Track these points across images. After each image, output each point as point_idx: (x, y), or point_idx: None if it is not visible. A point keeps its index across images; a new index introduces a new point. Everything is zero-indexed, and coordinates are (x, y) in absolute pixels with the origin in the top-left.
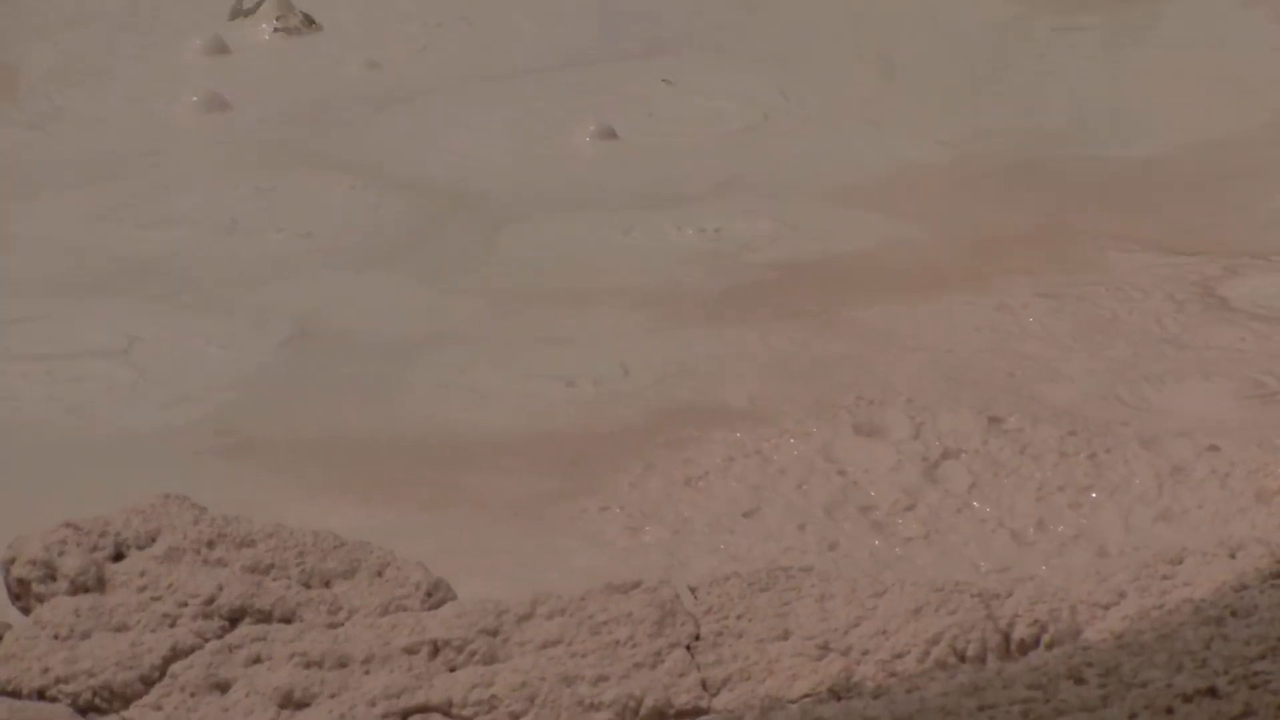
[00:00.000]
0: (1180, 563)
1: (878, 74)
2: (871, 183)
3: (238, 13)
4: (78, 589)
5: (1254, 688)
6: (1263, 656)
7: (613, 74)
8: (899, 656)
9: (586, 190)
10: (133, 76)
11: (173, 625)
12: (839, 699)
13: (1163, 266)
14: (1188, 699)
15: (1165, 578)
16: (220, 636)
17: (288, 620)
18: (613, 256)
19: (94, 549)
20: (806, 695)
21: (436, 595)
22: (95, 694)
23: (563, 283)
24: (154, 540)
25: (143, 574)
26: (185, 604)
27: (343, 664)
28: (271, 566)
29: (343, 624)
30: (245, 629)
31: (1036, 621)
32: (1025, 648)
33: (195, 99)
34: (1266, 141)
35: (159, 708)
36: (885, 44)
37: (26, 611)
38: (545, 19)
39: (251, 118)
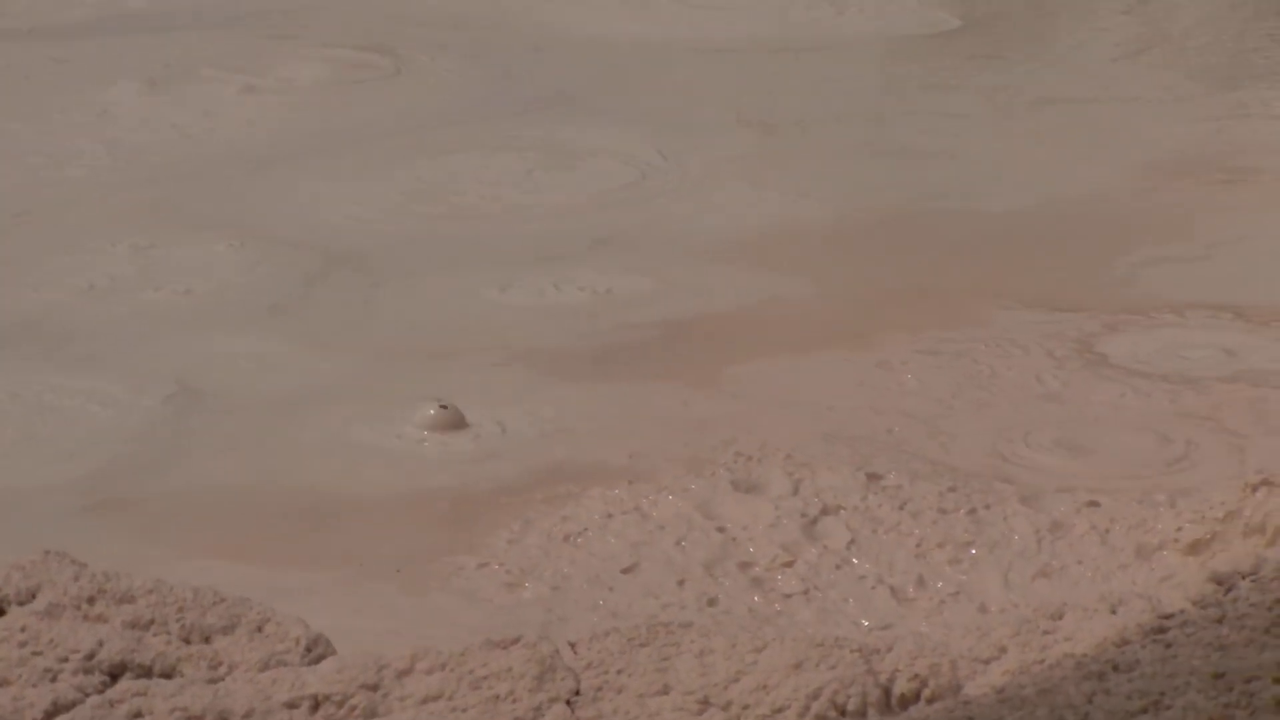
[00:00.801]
0: (1061, 618)
1: (756, 134)
2: (751, 240)
3: None
4: None
5: None
6: (1144, 710)
7: (491, 133)
8: (779, 711)
9: (464, 248)
10: (12, 133)
11: (54, 680)
12: None
13: (1042, 323)
14: None
15: (1046, 633)
16: (101, 691)
17: (168, 675)
18: (491, 314)
19: None
20: None
21: (316, 650)
22: None
23: (441, 341)
24: (34, 596)
25: (23, 629)
26: (66, 659)
27: (224, 719)
28: (152, 622)
29: (223, 679)
30: (126, 684)
31: (917, 676)
32: (906, 702)
33: (75, 156)
34: (1138, 194)
35: None
36: (763, 105)
37: None
38: (424, 78)
39: (132, 175)
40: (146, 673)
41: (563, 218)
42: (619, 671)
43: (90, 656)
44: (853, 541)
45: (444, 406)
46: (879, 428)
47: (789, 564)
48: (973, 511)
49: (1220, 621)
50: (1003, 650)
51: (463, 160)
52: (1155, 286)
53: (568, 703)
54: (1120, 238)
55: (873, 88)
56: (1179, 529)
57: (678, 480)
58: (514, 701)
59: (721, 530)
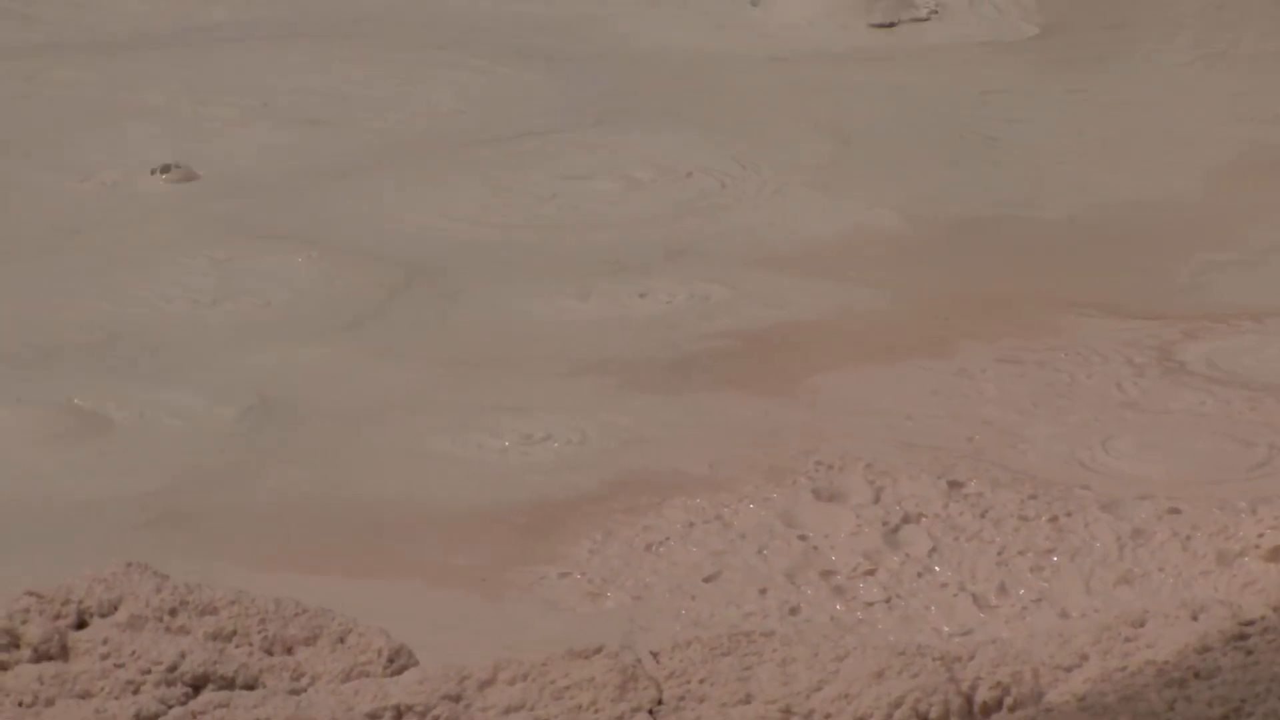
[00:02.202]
0: (1143, 625)
1: (832, 142)
2: (827, 250)
3: None
4: (41, 657)
5: None
6: (1225, 718)
7: (569, 142)
8: None
9: (543, 258)
10: (87, 146)
11: (136, 692)
12: None
13: (1120, 330)
14: None
15: (1128, 640)
16: (183, 703)
17: (250, 687)
18: (568, 324)
19: (57, 617)
20: None
21: (399, 661)
22: None
23: (519, 351)
24: (116, 608)
25: (105, 642)
26: (148, 671)
27: None
28: (234, 633)
29: (305, 690)
30: (208, 696)
31: (999, 684)
32: (988, 711)
33: (151, 169)
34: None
35: None
36: (839, 113)
37: None
38: (502, 89)
39: (208, 189)
40: (229, 684)
41: (640, 227)
42: (701, 681)
43: (173, 668)
44: (934, 549)
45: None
46: (959, 436)
47: (871, 572)
48: (1054, 519)
49: None
50: (1084, 657)
51: (540, 170)
52: (1227, 292)
53: (650, 712)
54: (1189, 243)
55: (949, 96)
56: (1260, 535)
57: (758, 489)
58: (596, 711)
59: (803, 539)
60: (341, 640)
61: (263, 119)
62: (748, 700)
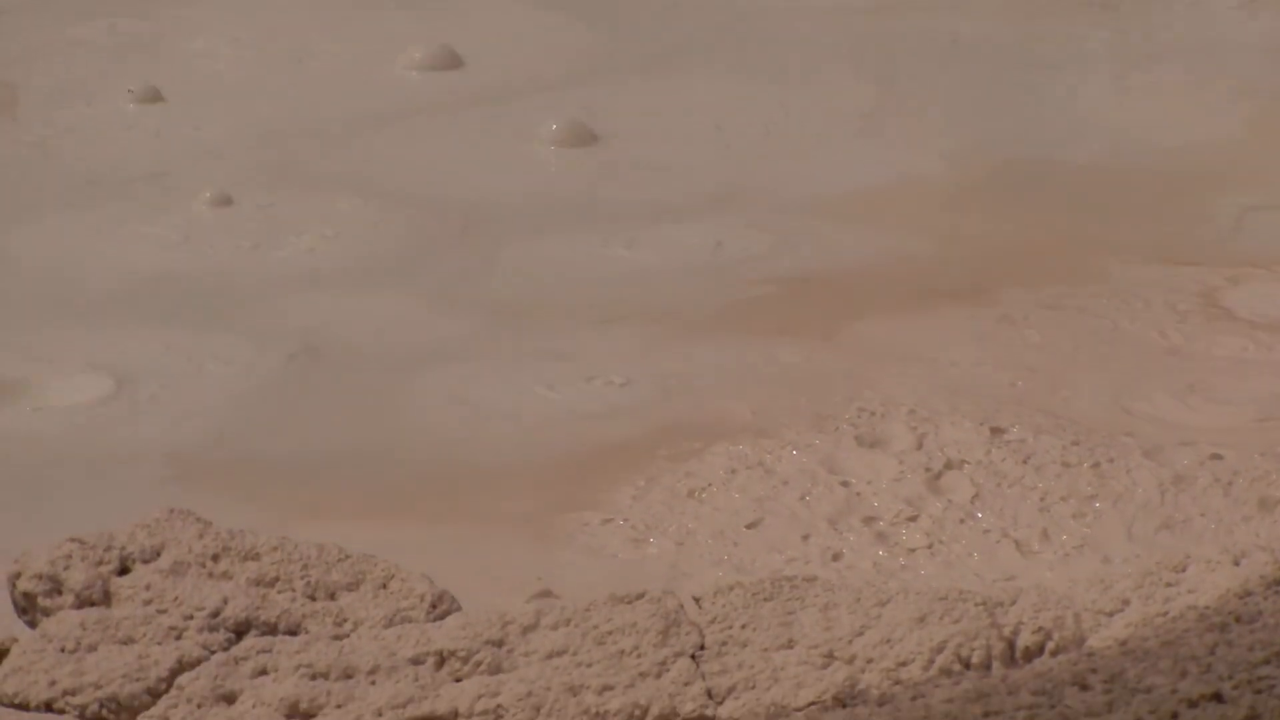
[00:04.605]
0: (1184, 570)
1: (876, 89)
2: (871, 195)
3: None
4: (84, 603)
5: (1259, 692)
6: (1267, 661)
7: (612, 89)
8: (904, 664)
9: (588, 205)
10: (136, 96)
11: (179, 638)
12: (844, 707)
13: (1163, 276)
14: (1193, 704)
15: (1169, 585)
16: (226, 649)
17: (293, 632)
18: (613, 271)
19: (99, 563)
20: (812, 704)
21: (441, 607)
22: (102, 706)
23: (563, 298)
24: (159, 554)
25: (148, 587)
26: (191, 617)
27: (349, 675)
28: (276, 579)
29: (348, 635)
30: (251, 641)
31: (1041, 629)
32: (1030, 655)
33: (197, 117)
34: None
35: (166, 719)
36: (883, 58)
37: (33, 625)
38: (544, 36)
39: (254, 136)
40: (271, 630)
41: (685, 174)
42: (743, 626)
43: (215, 614)
44: (977, 495)
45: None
46: (1002, 382)
47: (913, 518)
48: (1096, 465)
49: None
50: (1126, 603)
51: (585, 116)
52: (1270, 237)
53: (692, 657)
54: (1232, 188)
55: (992, 42)
56: None
57: (801, 435)
58: (639, 656)
59: (845, 485)
60: (384, 586)
61: (307, 65)
62: (790, 645)
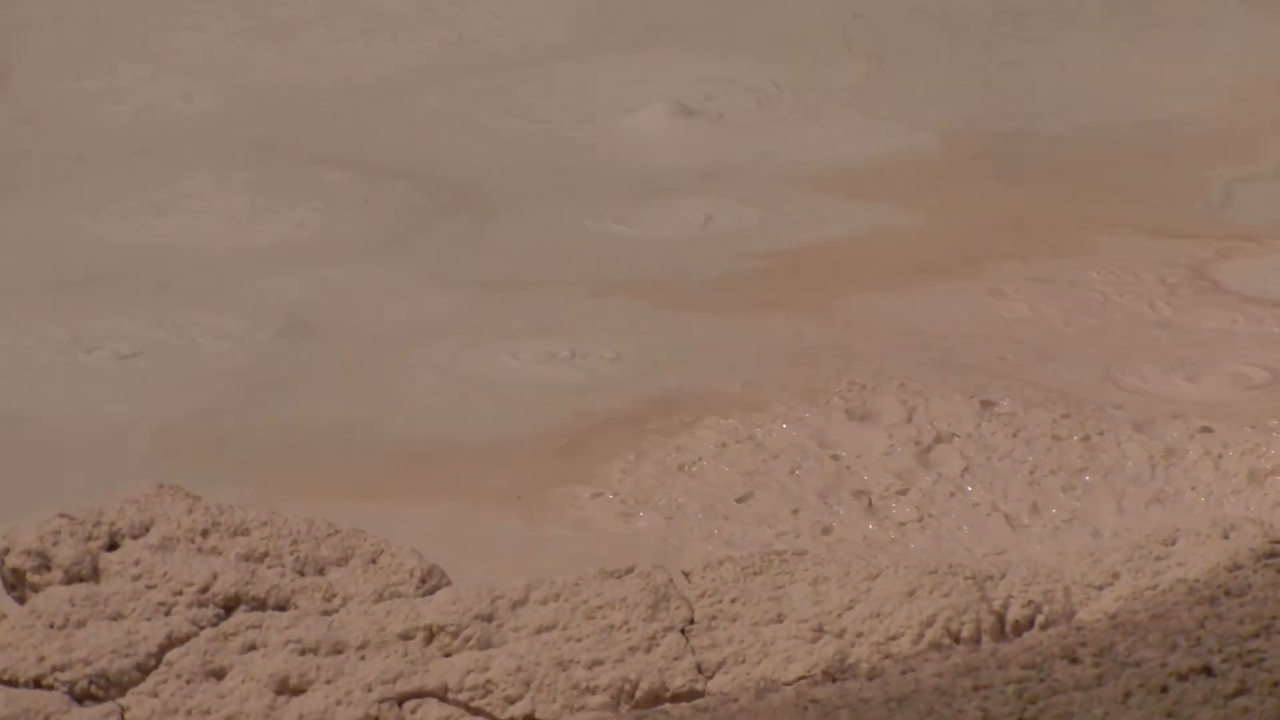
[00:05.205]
0: (1174, 543)
1: (867, 63)
2: (862, 170)
3: None
4: (72, 579)
5: (1248, 665)
6: (1256, 635)
7: (603, 65)
8: (893, 638)
9: (577, 180)
10: (123, 72)
11: (168, 614)
12: (834, 681)
13: (1153, 249)
14: (1182, 677)
15: (1159, 558)
16: (215, 624)
17: (282, 608)
18: (604, 246)
19: (89, 539)
20: (801, 678)
21: (431, 581)
22: (91, 682)
23: (554, 272)
24: (148, 530)
25: (137, 563)
26: (180, 592)
27: (338, 650)
28: (265, 555)
29: (337, 611)
30: (240, 617)
31: (1031, 603)
32: (1019, 629)
33: (187, 94)
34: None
35: (155, 695)
36: (874, 33)
37: (21, 601)
38: (535, 10)
39: (244, 111)
40: (261, 605)
41: (675, 149)
42: (733, 600)
43: (204, 590)
44: (967, 469)
45: None
46: (992, 355)
47: (903, 492)
48: (1086, 438)
49: None
50: (1116, 576)
51: (574, 93)
52: (1260, 210)
53: (682, 631)
54: (1220, 160)
55: (981, 16)
56: None
57: (791, 409)
58: (628, 631)
59: (836, 458)
60: (374, 561)
61: (298, 41)
62: (780, 619)
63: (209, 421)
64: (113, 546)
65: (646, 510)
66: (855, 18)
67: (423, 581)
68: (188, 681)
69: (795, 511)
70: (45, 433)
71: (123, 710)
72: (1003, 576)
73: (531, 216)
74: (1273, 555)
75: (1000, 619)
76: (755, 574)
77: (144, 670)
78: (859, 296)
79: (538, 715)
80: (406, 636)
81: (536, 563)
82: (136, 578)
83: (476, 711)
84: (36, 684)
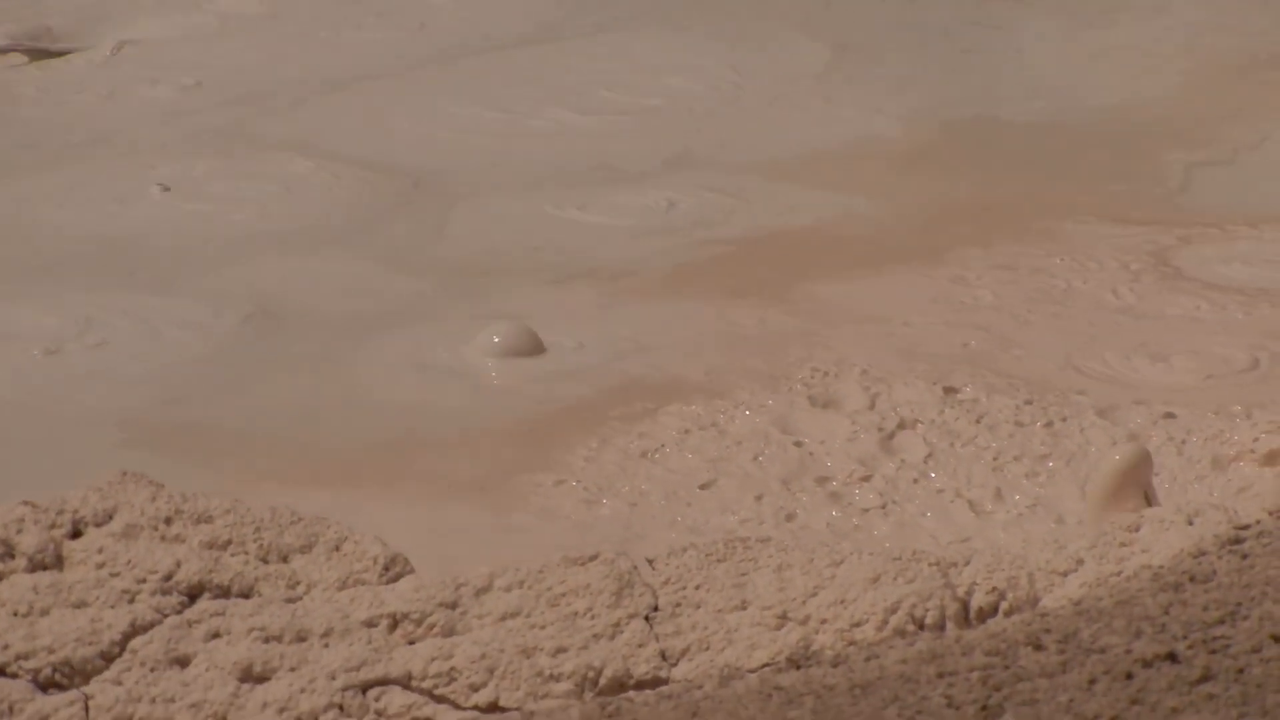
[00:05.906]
0: (1138, 530)
1: (828, 50)
2: (824, 157)
3: None
4: (36, 566)
5: (1213, 652)
6: (1221, 621)
7: (565, 51)
8: (857, 625)
9: (539, 167)
10: (84, 59)
11: (131, 601)
12: (798, 668)
13: (1116, 236)
14: (1147, 664)
15: (1123, 545)
16: (179, 612)
17: (246, 595)
18: (566, 233)
19: (52, 526)
20: (765, 665)
21: (394, 569)
22: (55, 670)
23: (516, 260)
24: (111, 517)
25: (101, 551)
26: (144, 580)
27: (302, 638)
28: (229, 542)
29: (301, 598)
30: (204, 604)
31: (995, 589)
32: (984, 615)
33: (154, 80)
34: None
35: (119, 683)
36: (836, 21)
37: None
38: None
39: (207, 99)
40: (224, 593)
41: (637, 136)
42: (697, 587)
43: (168, 577)
44: (930, 455)
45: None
46: (955, 342)
47: (866, 478)
48: (1049, 424)
49: None
50: (1080, 562)
51: (536, 80)
52: (1221, 197)
53: (646, 619)
54: (1180, 145)
55: (943, 3)
56: (1255, 440)
57: (754, 396)
58: (592, 618)
59: (799, 445)
60: (337, 548)
61: (260, 29)
62: (744, 606)
63: (172, 409)
64: (76, 534)
65: (610, 497)
66: (817, 4)
67: (386, 569)
68: (151, 669)
69: (759, 498)
70: (8, 419)
71: (87, 698)
72: (967, 563)
73: (494, 204)
74: (1237, 541)
75: (964, 605)
76: (719, 561)
77: (108, 658)
78: (822, 283)
79: (501, 703)
80: (370, 624)
81: (500, 550)
82: (100, 565)
83: (440, 699)
84: (0, 672)
